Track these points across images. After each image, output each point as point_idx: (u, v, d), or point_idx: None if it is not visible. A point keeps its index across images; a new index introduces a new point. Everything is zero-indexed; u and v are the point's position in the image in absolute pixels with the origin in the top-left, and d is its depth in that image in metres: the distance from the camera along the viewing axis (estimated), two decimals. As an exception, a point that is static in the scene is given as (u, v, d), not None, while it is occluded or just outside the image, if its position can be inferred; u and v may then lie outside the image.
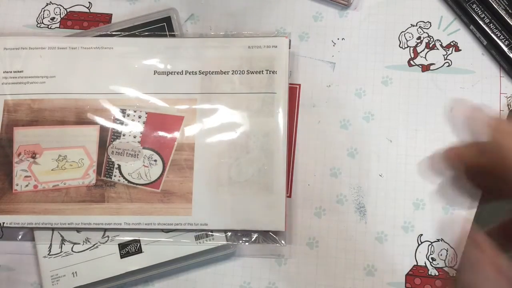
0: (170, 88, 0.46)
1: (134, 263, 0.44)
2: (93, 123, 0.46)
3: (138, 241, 0.45)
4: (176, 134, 0.45)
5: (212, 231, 0.44)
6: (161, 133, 0.46)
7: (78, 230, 0.45)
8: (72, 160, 0.45)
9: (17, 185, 0.45)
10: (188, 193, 0.44)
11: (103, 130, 0.46)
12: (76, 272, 0.44)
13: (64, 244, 0.45)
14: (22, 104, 0.46)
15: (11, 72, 0.47)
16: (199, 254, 0.44)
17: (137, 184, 0.45)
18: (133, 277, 0.44)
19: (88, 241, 0.45)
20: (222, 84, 0.46)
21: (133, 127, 0.46)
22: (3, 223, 0.44)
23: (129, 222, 0.44)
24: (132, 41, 0.48)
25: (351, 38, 0.50)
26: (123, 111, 0.46)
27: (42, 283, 0.44)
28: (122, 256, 0.44)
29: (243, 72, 0.46)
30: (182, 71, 0.46)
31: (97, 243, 0.45)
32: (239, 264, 0.46)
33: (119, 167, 0.45)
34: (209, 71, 0.46)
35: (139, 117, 0.46)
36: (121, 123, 0.46)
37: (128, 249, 0.45)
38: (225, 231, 0.44)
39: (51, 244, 0.45)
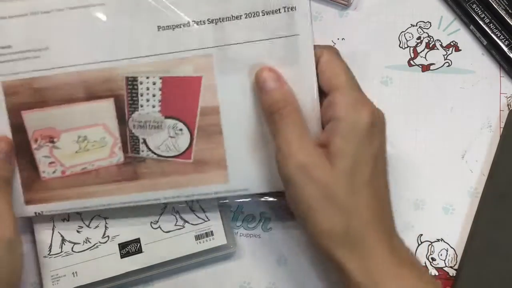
0: (179, 45, 0.40)
1: (134, 263, 0.44)
2: (105, 96, 0.41)
3: (138, 241, 0.45)
4: (197, 98, 0.41)
5: (254, 195, 0.43)
6: (180, 99, 0.41)
7: (120, 208, 0.43)
8: (94, 140, 0.42)
9: (43, 172, 0.43)
10: (222, 160, 0.42)
11: (118, 103, 0.42)
12: (76, 272, 0.44)
13: (64, 244, 0.45)
14: (22, 85, 0.42)
15: None
16: (199, 254, 0.44)
17: (167, 157, 0.42)
18: (133, 277, 0.44)
19: (88, 241, 0.45)
20: (236, 33, 0.40)
21: (150, 96, 0.42)
22: (42, 211, 0.43)
23: (167, 196, 0.43)
24: None
25: (351, 38, 0.50)
26: (134, 79, 0.41)
27: (42, 283, 0.44)
28: (122, 256, 0.44)
29: (257, 13, 0.39)
30: (189, 22, 0.40)
31: (97, 243, 0.45)
32: (239, 264, 0.46)
33: (144, 141, 0.42)
34: (219, 18, 0.40)
35: (153, 83, 0.41)
36: (136, 92, 0.42)
37: (128, 249, 0.45)
38: (267, 194, 0.43)
39: (51, 244, 0.45)
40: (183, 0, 0.40)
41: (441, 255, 0.45)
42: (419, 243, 0.46)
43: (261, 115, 0.40)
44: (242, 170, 0.42)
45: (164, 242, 0.45)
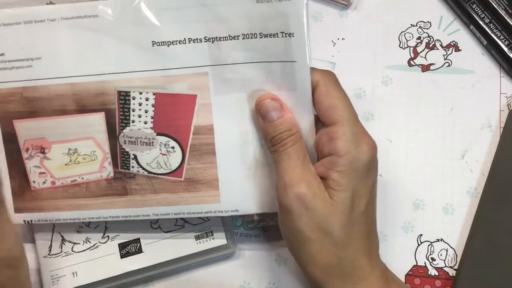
0: (174, 62, 0.40)
1: (134, 263, 0.44)
2: (97, 110, 0.41)
3: (138, 241, 0.45)
4: (191, 116, 0.41)
5: (244, 215, 0.43)
6: (174, 116, 0.41)
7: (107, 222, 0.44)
8: (84, 153, 0.42)
9: (34, 182, 0.43)
10: (214, 180, 0.42)
11: (109, 117, 0.41)
12: (76, 272, 0.44)
13: (64, 244, 0.45)
14: (14, 94, 0.41)
15: None
16: (199, 254, 0.44)
17: (158, 174, 0.42)
18: (133, 277, 0.44)
19: (88, 241, 0.45)
20: (233, 53, 0.39)
21: (142, 112, 0.41)
22: (31, 220, 0.43)
23: (157, 213, 0.42)
24: (120, 3, 0.39)
25: (351, 38, 0.50)
26: (126, 94, 0.40)
27: (42, 283, 0.44)
28: (122, 256, 0.44)
29: (255, 35, 0.38)
30: (185, 39, 0.39)
31: (97, 243, 0.45)
32: (239, 264, 0.46)
33: (135, 157, 0.42)
34: (216, 37, 0.39)
35: (146, 99, 0.41)
36: (128, 107, 0.41)
37: (128, 249, 0.45)
38: (257, 214, 0.43)
39: (51, 244, 0.45)
40: (179, 16, 0.39)
41: (441, 255, 0.45)
42: (419, 243, 0.46)
43: (258, 138, 0.40)
44: (234, 190, 0.42)
45: (164, 242, 0.45)
